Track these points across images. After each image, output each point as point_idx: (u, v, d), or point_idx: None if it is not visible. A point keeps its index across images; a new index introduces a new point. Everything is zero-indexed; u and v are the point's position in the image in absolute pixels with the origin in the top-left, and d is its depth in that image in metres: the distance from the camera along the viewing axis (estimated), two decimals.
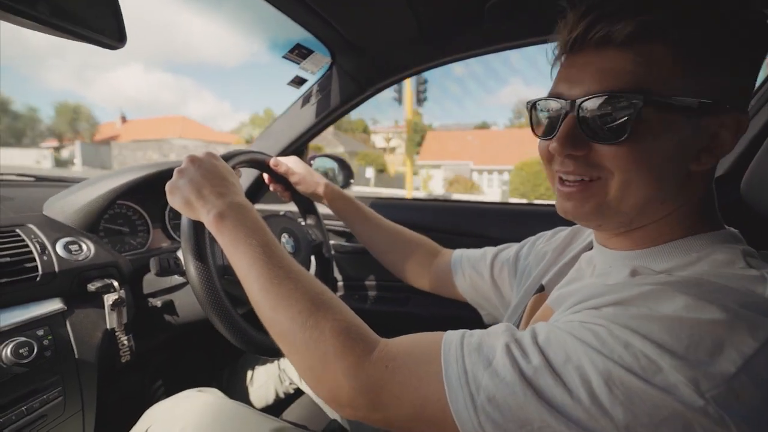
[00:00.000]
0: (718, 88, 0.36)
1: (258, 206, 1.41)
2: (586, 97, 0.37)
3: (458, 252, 0.80)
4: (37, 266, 0.65)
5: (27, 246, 0.66)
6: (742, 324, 0.29)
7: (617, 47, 0.36)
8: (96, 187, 0.80)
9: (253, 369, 1.08)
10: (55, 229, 0.73)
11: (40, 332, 0.62)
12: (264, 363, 1.08)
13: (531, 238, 0.71)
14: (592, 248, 0.52)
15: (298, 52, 0.99)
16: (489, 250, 0.76)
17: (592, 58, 0.37)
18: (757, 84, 0.92)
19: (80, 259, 0.71)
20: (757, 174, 0.53)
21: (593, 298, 0.36)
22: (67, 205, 0.78)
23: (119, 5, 0.45)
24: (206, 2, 0.95)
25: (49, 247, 0.69)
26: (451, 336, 0.39)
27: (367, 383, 0.38)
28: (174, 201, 0.58)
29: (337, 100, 1.16)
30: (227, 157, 0.72)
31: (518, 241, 0.74)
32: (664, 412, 0.29)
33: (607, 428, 0.29)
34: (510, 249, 0.73)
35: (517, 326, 0.58)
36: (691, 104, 0.35)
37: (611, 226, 0.43)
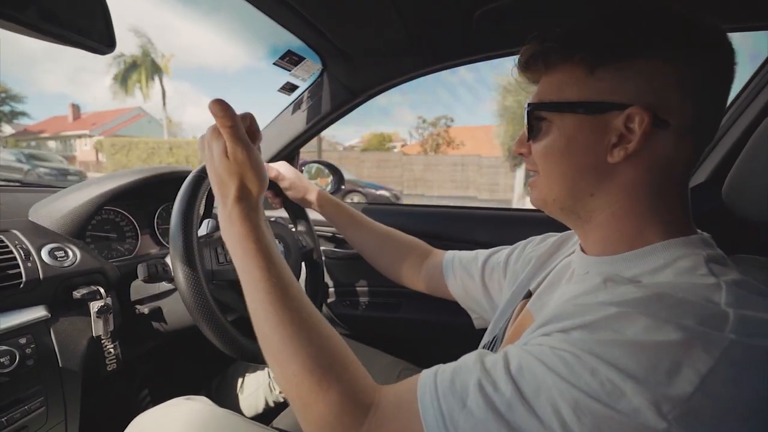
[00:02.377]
0: (621, 90, 0.41)
1: None
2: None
3: (450, 253, 0.81)
4: (20, 273, 0.64)
5: (11, 252, 0.65)
6: (697, 342, 0.30)
7: (540, 76, 0.48)
8: (83, 193, 0.79)
9: (242, 377, 1.07)
10: (41, 235, 0.72)
11: (23, 340, 0.61)
12: (254, 371, 1.07)
13: (521, 243, 0.72)
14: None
15: (289, 59, 1.00)
16: (481, 253, 0.77)
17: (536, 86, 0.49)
18: (736, 93, 0.96)
19: (66, 265, 0.70)
20: (737, 180, 0.54)
21: (562, 320, 0.37)
22: (53, 211, 0.77)
23: (108, 9, 0.45)
24: (200, 10, 0.95)
25: (34, 253, 0.68)
26: (425, 378, 0.39)
27: None
28: (211, 169, 0.52)
29: (328, 106, 1.17)
30: None
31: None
32: None
33: None
34: (501, 252, 0.74)
35: (504, 331, 0.58)
36: (585, 104, 0.42)
37: (560, 214, 0.49)
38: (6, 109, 25.04)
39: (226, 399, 1.05)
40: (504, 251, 0.74)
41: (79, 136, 28.94)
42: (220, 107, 0.48)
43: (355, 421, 0.39)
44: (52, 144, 30.47)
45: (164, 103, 26.36)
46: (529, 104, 0.47)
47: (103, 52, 0.48)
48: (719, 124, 0.43)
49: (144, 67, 25.03)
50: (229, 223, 0.51)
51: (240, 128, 0.50)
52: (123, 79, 24.75)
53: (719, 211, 0.58)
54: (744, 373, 0.30)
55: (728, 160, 0.91)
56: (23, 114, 26.21)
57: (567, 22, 0.44)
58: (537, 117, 0.46)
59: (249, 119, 0.55)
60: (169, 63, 26.14)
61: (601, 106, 0.41)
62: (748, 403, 0.30)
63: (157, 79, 25.44)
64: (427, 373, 0.40)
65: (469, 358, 0.39)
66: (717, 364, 0.29)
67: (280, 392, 1.04)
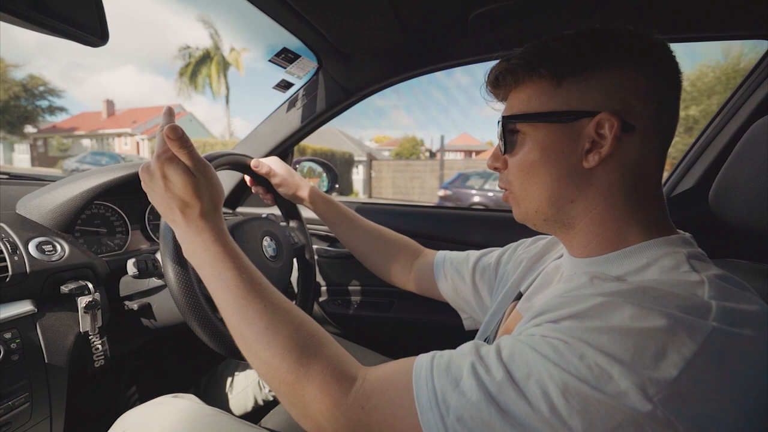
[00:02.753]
0: (588, 98, 0.43)
1: (240, 209, 1.40)
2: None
3: (441, 253, 0.81)
4: (7, 266, 0.63)
5: None
6: (682, 328, 0.31)
7: (509, 92, 0.50)
8: (73, 186, 0.78)
9: (232, 375, 1.06)
10: (28, 228, 0.71)
11: (8, 335, 0.60)
12: (243, 369, 1.06)
13: (513, 244, 0.72)
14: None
15: (285, 57, 1.00)
16: (472, 254, 0.77)
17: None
18: (725, 100, 0.98)
19: (54, 259, 0.69)
20: (723, 186, 0.55)
21: (552, 311, 0.38)
22: (42, 204, 0.76)
23: (102, 2, 0.45)
24: (198, 6, 0.95)
25: (21, 246, 0.66)
26: (422, 359, 0.41)
27: (345, 425, 0.40)
28: (167, 196, 0.52)
29: (323, 105, 1.17)
30: (208, 159, 0.71)
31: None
32: (618, 418, 0.30)
33: None
34: (492, 254, 0.74)
35: (495, 333, 0.58)
36: (555, 114, 0.44)
37: (544, 225, 0.50)
38: (44, 104, 22.54)
39: (215, 397, 1.04)
40: (495, 252, 0.74)
41: (119, 135, 27.62)
42: (175, 133, 0.48)
43: (341, 392, 0.40)
44: (86, 142, 28.67)
45: (227, 101, 24.69)
46: (502, 117, 0.49)
47: (95, 45, 0.47)
48: (676, 125, 0.46)
49: (215, 61, 23.11)
50: (194, 238, 0.51)
51: (194, 148, 0.51)
52: (192, 73, 22.95)
53: (706, 216, 0.59)
54: (727, 359, 0.31)
55: (715, 166, 0.93)
56: (61, 109, 23.68)
57: (530, 44, 0.47)
58: (510, 129, 0.48)
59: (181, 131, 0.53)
60: (240, 57, 23.83)
61: (572, 114, 0.44)
62: (732, 390, 0.31)
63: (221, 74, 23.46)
64: (423, 356, 0.41)
65: (465, 346, 0.41)
66: (701, 349, 0.31)
67: (269, 390, 1.03)
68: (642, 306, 0.33)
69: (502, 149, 0.50)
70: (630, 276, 0.42)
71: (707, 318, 0.32)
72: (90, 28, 0.46)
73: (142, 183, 0.53)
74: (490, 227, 1.20)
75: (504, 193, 0.54)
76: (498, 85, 0.50)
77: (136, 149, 26.46)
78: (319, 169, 1.16)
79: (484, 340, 0.61)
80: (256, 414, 0.99)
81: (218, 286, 0.49)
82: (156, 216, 1.00)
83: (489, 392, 0.34)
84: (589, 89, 0.43)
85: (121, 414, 0.68)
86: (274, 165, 0.89)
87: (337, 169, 1.16)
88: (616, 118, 0.42)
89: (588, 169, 0.44)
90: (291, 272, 0.90)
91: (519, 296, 0.59)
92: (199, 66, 23.33)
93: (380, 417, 0.39)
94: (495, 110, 0.54)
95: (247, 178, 0.92)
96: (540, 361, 0.34)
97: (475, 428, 0.34)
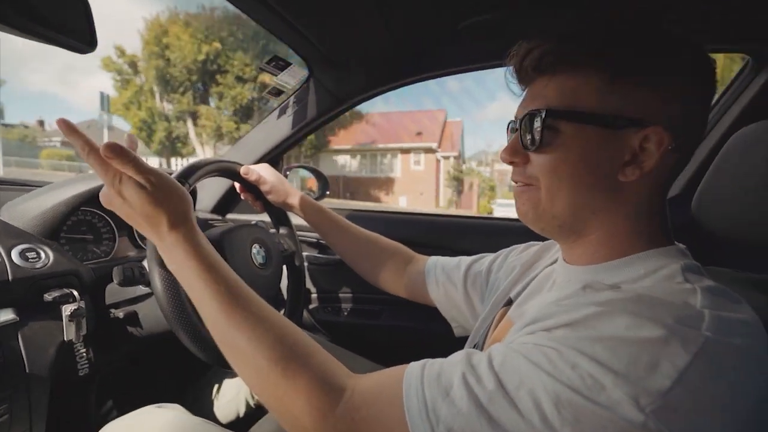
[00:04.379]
0: (641, 106, 0.39)
1: (230, 216, 1.39)
2: (520, 118, 0.45)
3: (433, 259, 0.81)
4: None
5: None
6: (675, 339, 0.31)
7: (545, 75, 0.43)
8: (59, 192, 0.77)
9: (219, 384, 1.05)
10: (12, 235, 0.70)
11: None
12: (231, 377, 1.04)
13: (504, 251, 0.72)
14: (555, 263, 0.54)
15: (276, 64, 1.00)
16: (464, 260, 0.77)
17: (531, 87, 0.46)
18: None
19: (37, 267, 0.68)
20: (706, 194, 0.56)
21: (546, 319, 0.38)
22: (26, 210, 0.75)
23: (90, 9, 0.45)
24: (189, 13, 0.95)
25: (3, 254, 0.65)
26: (413, 368, 0.39)
27: None
28: (133, 214, 0.50)
29: (313, 112, 1.17)
30: (197, 167, 0.71)
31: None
32: (610, 428, 0.30)
33: None
34: (484, 260, 0.74)
35: (484, 338, 0.58)
36: (604, 117, 0.40)
37: (553, 231, 0.47)
38: None
39: (202, 407, 1.03)
40: (487, 259, 0.74)
41: None
42: (112, 150, 0.44)
43: (330, 404, 0.39)
44: None
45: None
46: (540, 109, 0.42)
47: (83, 51, 0.47)
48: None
49: None
50: (170, 252, 0.50)
51: (139, 159, 0.47)
52: None
53: (689, 225, 0.60)
54: (720, 369, 0.31)
55: (698, 176, 0.95)
56: None
57: (580, 22, 0.42)
58: (550, 126, 0.42)
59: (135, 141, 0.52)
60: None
61: (621, 120, 0.40)
62: (725, 399, 0.31)
63: None
64: (414, 365, 0.40)
65: (456, 355, 0.40)
66: (694, 359, 0.30)
67: (256, 399, 1.02)
68: (636, 315, 0.33)
69: (530, 144, 0.43)
70: (624, 284, 0.41)
71: (700, 328, 0.32)
72: (79, 35, 0.46)
73: (106, 206, 0.51)
74: (482, 234, 1.21)
75: (518, 186, 0.48)
76: (539, 68, 0.43)
77: None
78: (310, 176, 1.16)
79: (473, 346, 0.61)
80: (243, 423, 0.98)
81: (198, 299, 0.48)
82: None
83: (480, 402, 0.34)
84: (644, 95, 0.39)
85: (105, 424, 0.67)
86: (263, 172, 0.89)
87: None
88: (668, 134, 0.39)
89: (621, 182, 0.41)
90: (280, 279, 0.90)
91: (509, 302, 0.59)
92: None
93: (370, 428, 0.38)
94: (514, 94, 0.48)
95: (237, 185, 0.92)
96: (532, 371, 0.33)
97: None
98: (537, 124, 0.42)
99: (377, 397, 0.39)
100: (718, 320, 0.33)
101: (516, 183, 0.49)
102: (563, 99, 0.41)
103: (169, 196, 0.49)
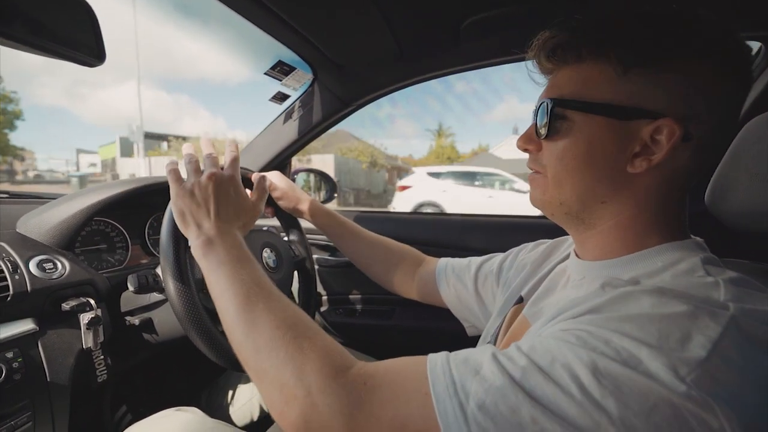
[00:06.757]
0: (654, 97, 0.39)
1: None
2: (536, 107, 0.46)
3: (443, 261, 0.81)
4: (8, 285, 0.63)
5: None
6: (703, 313, 0.31)
7: (560, 65, 0.44)
8: (72, 204, 0.79)
9: (234, 387, 1.06)
10: (29, 247, 0.72)
11: (9, 354, 0.60)
12: (246, 381, 1.05)
13: (514, 249, 0.72)
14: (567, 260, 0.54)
15: (280, 69, 1.01)
16: (474, 260, 0.76)
17: (551, 77, 0.47)
18: None
19: (54, 277, 0.69)
20: (718, 186, 0.55)
21: (569, 310, 0.37)
22: (42, 222, 0.76)
23: (98, 23, 0.46)
24: (193, 22, 0.96)
25: (22, 265, 0.67)
26: (436, 355, 0.38)
27: (343, 400, 0.36)
28: (174, 208, 0.58)
29: (319, 115, 1.18)
30: None
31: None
32: (652, 398, 0.29)
33: (602, 423, 0.29)
34: (494, 260, 0.74)
35: (496, 336, 0.58)
36: (614, 108, 0.40)
37: (561, 218, 0.47)
38: None
39: (218, 410, 1.04)
40: (497, 258, 0.74)
41: None
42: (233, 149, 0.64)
43: (344, 364, 0.39)
44: None
45: None
46: (550, 98, 0.43)
47: (92, 65, 0.48)
48: (734, 135, 0.43)
49: None
50: (228, 246, 0.56)
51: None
52: None
53: (703, 216, 0.59)
54: (752, 343, 0.30)
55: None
56: None
57: (594, 14, 0.41)
58: (558, 115, 0.43)
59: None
60: None
61: (632, 111, 0.39)
62: (763, 374, 0.30)
63: None
64: (436, 354, 0.39)
65: (481, 346, 0.40)
66: (726, 330, 0.30)
67: None
68: (661, 295, 0.33)
69: (542, 133, 0.44)
70: (642, 279, 0.40)
71: (727, 309, 0.32)
72: (87, 49, 0.46)
73: (178, 197, 0.57)
74: (490, 233, 1.20)
75: (531, 174, 0.49)
76: (553, 57, 0.44)
77: None
78: (318, 179, 1.17)
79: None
80: (258, 426, 0.99)
81: (224, 286, 0.50)
82: (156, 231, 1.00)
83: (513, 378, 0.32)
84: (657, 85, 0.38)
85: (125, 428, 0.68)
86: (275, 179, 0.89)
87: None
88: (679, 126, 0.38)
89: (630, 173, 0.41)
90: (291, 283, 0.90)
91: (520, 300, 0.59)
92: None
93: (384, 396, 0.36)
94: (537, 83, 0.49)
95: (248, 191, 0.93)
96: (564, 347, 0.32)
97: (498, 416, 0.31)
98: (547, 113, 0.43)
99: (393, 368, 0.38)
100: (743, 311, 0.32)
101: (531, 170, 0.49)
102: (574, 89, 0.42)
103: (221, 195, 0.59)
